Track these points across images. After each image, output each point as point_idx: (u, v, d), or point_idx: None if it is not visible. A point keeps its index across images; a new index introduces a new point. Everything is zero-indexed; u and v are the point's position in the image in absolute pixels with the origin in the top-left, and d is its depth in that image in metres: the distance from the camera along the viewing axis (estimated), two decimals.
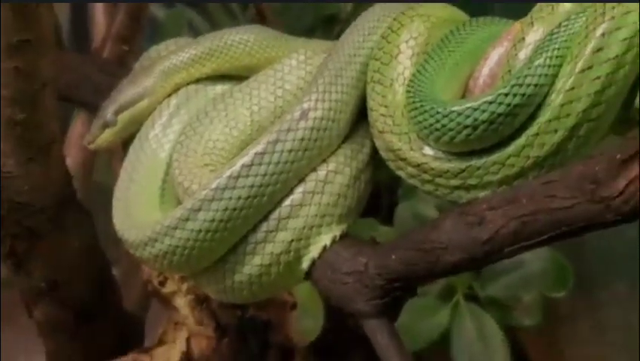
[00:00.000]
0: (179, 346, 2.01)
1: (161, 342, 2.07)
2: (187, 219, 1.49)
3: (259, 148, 1.49)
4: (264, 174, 1.48)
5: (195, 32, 3.61)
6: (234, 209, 1.47)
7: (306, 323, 2.93)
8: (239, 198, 1.47)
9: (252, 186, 1.47)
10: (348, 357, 3.51)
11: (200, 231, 1.48)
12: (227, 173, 1.48)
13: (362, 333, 1.58)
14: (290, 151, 1.49)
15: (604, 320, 3.63)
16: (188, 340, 2.03)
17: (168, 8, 3.34)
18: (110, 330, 2.09)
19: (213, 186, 1.48)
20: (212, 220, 1.48)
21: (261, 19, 3.35)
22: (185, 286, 2.03)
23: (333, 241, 1.52)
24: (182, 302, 2.04)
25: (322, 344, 3.16)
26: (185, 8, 3.63)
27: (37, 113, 1.71)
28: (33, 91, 1.68)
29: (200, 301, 2.03)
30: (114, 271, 2.18)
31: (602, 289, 3.63)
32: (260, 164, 1.48)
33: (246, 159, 1.49)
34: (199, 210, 1.48)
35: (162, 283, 2.05)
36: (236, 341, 2.06)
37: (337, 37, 2.96)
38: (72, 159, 2.28)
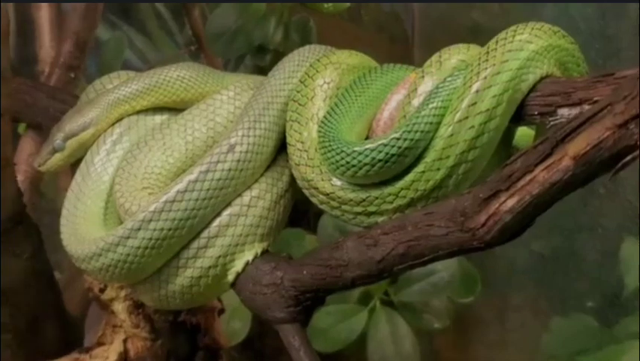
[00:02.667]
0: (117, 347, 2.17)
1: (99, 343, 2.21)
2: (128, 237, 1.68)
3: (192, 177, 1.69)
4: (196, 199, 1.68)
5: (136, 51, 3.78)
6: (170, 229, 1.67)
7: (235, 326, 3.13)
8: (174, 219, 1.67)
9: (185, 210, 1.67)
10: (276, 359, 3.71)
11: (139, 248, 1.68)
12: (164, 198, 1.68)
13: None
14: (219, 180, 1.69)
15: (510, 324, 3.88)
16: (125, 341, 2.18)
17: (112, 30, 3.50)
18: (55, 333, 2.25)
19: (151, 208, 1.67)
20: (150, 238, 1.67)
21: (198, 42, 3.54)
22: (123, 293, 2.19)
23: (255, 257, 1.73)
24: (120, 307, 2.20)
25: (250, 346, 3.36)
26: (125, 26, 3.79)
27: None
28: None
29: (137, 307, 2.20)
30: (57, 277, 2.35)
31: (508, 296, 3.88)
32: (192, 190, 1.68)
33: (180, 186, 1.68)
34: (139, 229, 1.67)
35: (102, 290, 2.20)
36: (168, 342, 2.23)
37: (267, 64, 3.16)
38: (21, 174, 2.42)
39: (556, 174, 1.33)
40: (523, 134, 1.74)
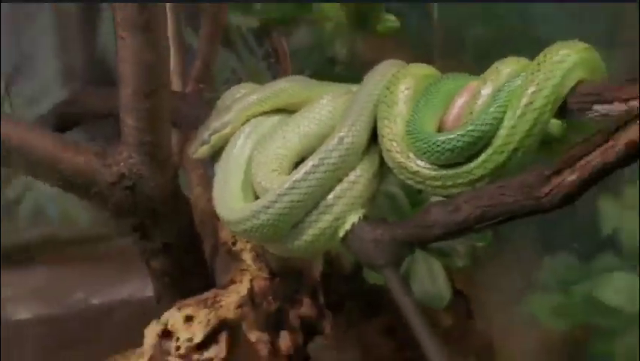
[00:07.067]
0: (246, 284, 2.18)
1: (232, 281, 2.25)
2: (268, 207, 1.71)
3: (315, 161, 1.71)
4: (318, 178, 1.70)
5: None
6: (298, 201, 1.69)
7: None
8: (301, 194, 1.69)
9: (309, 186, 1.69)
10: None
11: (276, 214, 1.71)
12: (294, 177, 1.70)
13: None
14: (334, 163, 1.71)
15: (508, 262, 3.86)
16: (251, 280, 2.23)
17: None
18: (200, 280, 2.28)
19: (286, 186, 1.70)
20: (285, 207, 1.69)
21: (276, 57, 3.51)
22: (249, 246, 2.23)
23: (359, 220, 1.75)
24: (247, 256, 2.22)
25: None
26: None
27: (159, 137, 1.91)
28: (158, 123, 1.88)
29: (258, 255, 2.23)
30: None
31: (509, 240, 3.87)
32: (315, 172, 1.70)
33: (306, 168, 1.70)
34: (275, 201, 1.70)
35: (234, 243, 2.25)
36: (282, 281, 2.26)
37: (337, 74, 3.12)
38: None
39: (610, 156, 1.32)
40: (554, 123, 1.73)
